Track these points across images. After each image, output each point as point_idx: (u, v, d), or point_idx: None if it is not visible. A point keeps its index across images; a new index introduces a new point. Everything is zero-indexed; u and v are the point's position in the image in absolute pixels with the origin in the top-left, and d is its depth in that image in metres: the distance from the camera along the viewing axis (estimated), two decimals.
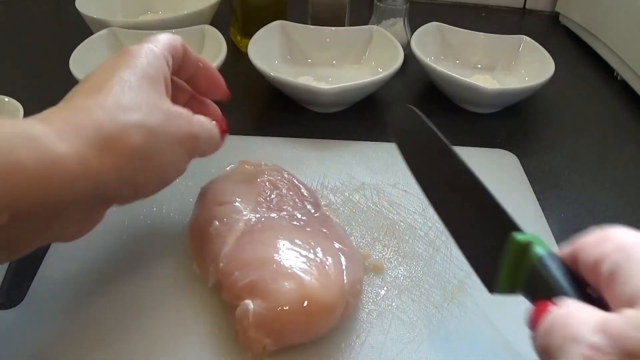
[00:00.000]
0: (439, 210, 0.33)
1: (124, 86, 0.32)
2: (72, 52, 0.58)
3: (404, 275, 0.41)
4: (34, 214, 0.27)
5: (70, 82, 0.55)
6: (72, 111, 0.31)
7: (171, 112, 0.34)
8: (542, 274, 0.25)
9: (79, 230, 0.32)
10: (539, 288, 0.25)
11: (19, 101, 0.49)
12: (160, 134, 0.32)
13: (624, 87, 0.71)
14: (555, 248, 0.45)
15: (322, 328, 0.35)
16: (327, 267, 0.36)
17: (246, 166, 0.46)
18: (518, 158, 0.55)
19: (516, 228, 0.27)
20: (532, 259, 0.25)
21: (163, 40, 0.37)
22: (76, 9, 0.67)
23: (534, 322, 0.24)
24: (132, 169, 0.31)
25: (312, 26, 0.70)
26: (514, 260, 0.25)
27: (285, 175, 0.45)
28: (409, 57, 0.68)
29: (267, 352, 0.34)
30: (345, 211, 0.47)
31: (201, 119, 0.37)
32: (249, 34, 0.66)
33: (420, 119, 0.36)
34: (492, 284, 0.26)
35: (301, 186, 0.44)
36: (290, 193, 0.43)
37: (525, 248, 0.25)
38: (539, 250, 0.25)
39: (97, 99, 0.31)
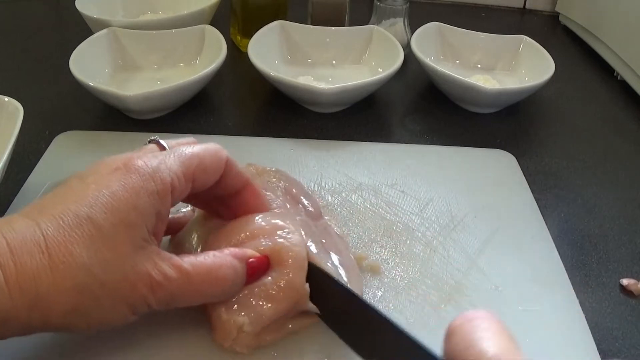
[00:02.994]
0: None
1: (88, 233, 0.29)
2: (72, 52, 0.58)
3: (401, 277, 0.41)
4: None
5: (70, 82, 0.56)
6: (23, 245, 0.28)
7: (134, 269, 0.30)
8: None
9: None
10: None
11: (19, 101, 0.49)
12: (102, 297, 0.29)
13: (624, 87, 0.71)
14: (553, 247, 0.45)
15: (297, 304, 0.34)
16: None
17: (251, 169, 0.46)
18: (518, 158, 0.55)
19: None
20: None
21: (187, 155, 0.33)
22: (76, 9, 0.67)
23: None
24: (61, 323, 0.29)
25: (312, 26, 0.70)
26: None
27: (285, 183, 0.44)
28: (409, 57, 0.68)
29: (248, 338, 0.33)
30: (343, 212, 0.47)
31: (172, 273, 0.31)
32: (249, 34, 0.66)
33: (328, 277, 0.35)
34: None
35: (302, 195, 0.43)
36: (288, 202, 0.42)
37: None
38: None
39: (52, 239, 0.28)
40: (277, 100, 0.63)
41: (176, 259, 0.32)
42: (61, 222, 0.29)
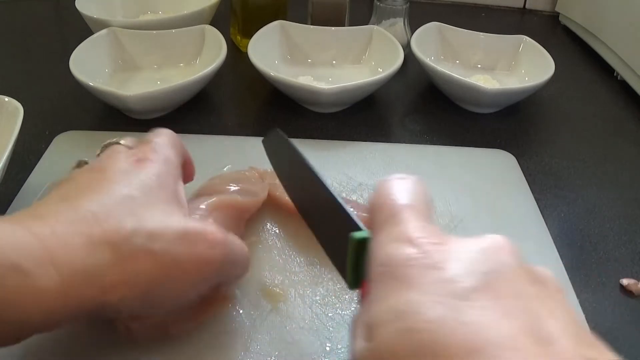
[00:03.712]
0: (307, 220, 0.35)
1: (132, 208, 0.29)
2: (72, 52, 0.58)
3: None
4: (8, 335, 0.27)
5: (70, 82, 0.55)
6: (70, 227, 0.28)
7: (186, 234, 0.30)
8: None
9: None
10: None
11: (19, 101, 0.49)
12: (167, 262, 0.29)
13: (624, 87, 0.71)
14: (553, 247, 0.45)
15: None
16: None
17: (254, 172, 0.47)
18: (518, 158, 0.55)
19: (357, 228, 0.29)
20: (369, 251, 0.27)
21: (172, 140, 0.36)
22: (76, 9, 0.67)
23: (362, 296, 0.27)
24: (121, 297, 0.28)
25: (312, 26, 0.70)
26: (356, 256, 0.28)
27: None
28: (409, 57, 0.68)
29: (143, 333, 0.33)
30: None
31: (230, 238, 0.32)
32: (249, 34, 0.66)
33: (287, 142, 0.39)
34: (348, 281, 0.29)
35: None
36: None
37: (362, 243, 0.27)
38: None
39: (100, 216, 0.28)
40: (277, 100, 0.63)
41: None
42: (102, 198, 0.30)
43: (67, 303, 0.27)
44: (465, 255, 0.23)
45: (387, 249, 0.24)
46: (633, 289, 0.43)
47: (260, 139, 0.56)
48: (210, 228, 0.31)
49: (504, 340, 0.20)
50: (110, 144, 0.36)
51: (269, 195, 0.45)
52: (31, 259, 0.26)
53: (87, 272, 0.27)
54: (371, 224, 0.27)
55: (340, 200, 0.31)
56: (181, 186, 0.35)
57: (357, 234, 0.27)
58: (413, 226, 0.25)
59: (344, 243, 0.28)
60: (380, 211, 0.27)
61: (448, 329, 0.20)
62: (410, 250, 0.24)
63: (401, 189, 0.28)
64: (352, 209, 0.30)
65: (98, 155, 0.36)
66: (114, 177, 0.31)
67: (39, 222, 0.28)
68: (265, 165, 0.50)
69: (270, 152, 0.41)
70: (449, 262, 0.23)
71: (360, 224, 0.29)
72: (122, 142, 0.36)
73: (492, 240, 0.24)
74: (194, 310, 0.34)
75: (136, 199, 0.30)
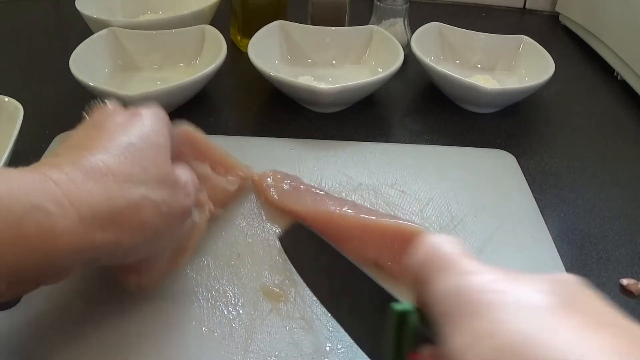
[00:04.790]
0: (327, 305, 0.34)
1: (135, 155, 0.32)
2: (72, 52, 0.58)
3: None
4: (28, 280, 0.28)
5: (70, 82, 0.55)
6: (84, 174, 0.30)
7: (176, 184, 0.34)
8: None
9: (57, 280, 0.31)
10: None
11: (19, 101, 0.49)
12: (163, 210, 0.32)
13: (624, 87, 0.71)
14: (553, 247, 0.45)
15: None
16: None
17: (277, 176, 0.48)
18: (518, 158, 0.55)
19: (394, 299, 0.28)
20: (411, 324, 0.26)
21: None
22: (76, 9, 0.67)
23: None
24: (130, 241, 0.31)
25: (312, 26, 0.70)
26: (397, 330, 0.26)
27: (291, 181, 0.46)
28: (409, 57, 0.68)
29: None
30: None
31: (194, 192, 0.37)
32: (249, 34, 0.66)
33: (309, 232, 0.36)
34: (389, 357, 0.27)
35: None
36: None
37: (404, 316, 0.26)
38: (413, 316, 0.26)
39: (109, 163, 0.31)
40: (277, 100, 0.63)
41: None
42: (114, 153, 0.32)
43: (84, 245, 0.28)
44: (538, 280, 0.23)
45: (454, 282, 0.23)
46: (633, 289, 0.43)
47: (260, 138, 0.57)
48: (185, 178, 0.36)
49: (595, 355, 0.20)
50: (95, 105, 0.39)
51: (267, 198, 0.46)
52: (52, 200, 0.27)
53: (104, 215, 0.29)
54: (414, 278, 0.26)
55: (378, 282, 0.30)
56: (171, 138, 0.37)
57: (399, 306, 0.26)
58: (475, 263, 0.24)
59: (381, 322, 0.27)
60: (431, 262, 0.25)
61: (543, 339, 0.20)
62: (482, 277, 0.23)
63: (444, 241, 0.26)
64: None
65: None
66: (115, 129, 0.34)
67: (55, 170, 0.29)
68: (265, 163, 0.50)
69: (289, 247, 0.39)
70: (525, 283, 0.23)
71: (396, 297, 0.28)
72: (108, 103, 0.38)
73: (563, 275, 0.25)
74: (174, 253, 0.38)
75: (136, 145, 0.33)
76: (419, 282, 0.26)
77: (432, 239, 0.27)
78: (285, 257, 0.39)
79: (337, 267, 0.33)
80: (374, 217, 0.42)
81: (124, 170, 0.31)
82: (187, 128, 0.44)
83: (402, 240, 0.40)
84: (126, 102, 0.54)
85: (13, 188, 0.27)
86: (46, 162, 0.30)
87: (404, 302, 0.27)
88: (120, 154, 0.32)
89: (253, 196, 0.48)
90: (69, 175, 0.29)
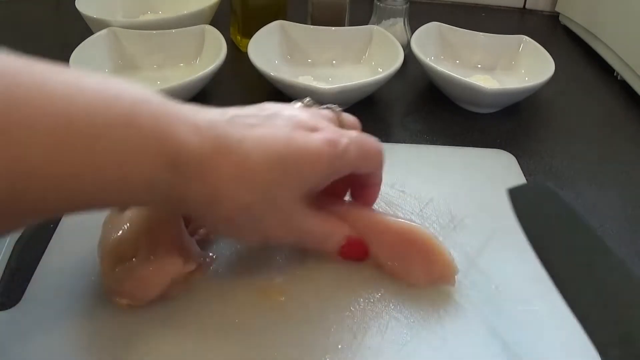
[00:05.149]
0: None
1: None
2: (72, 52, 0.58)
3: None
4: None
5: None
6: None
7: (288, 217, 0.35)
8: None
9: None
10: None
11: None
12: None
13: (624, 87, 0.71)
14: None
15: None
16: None
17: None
18: (518, 158, 0.55)
19: None
20: None
21: (365, 147, 0.39)
22: (76, 9, 0.67)
23: None
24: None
25: (312, 26, 0.70)
26: None
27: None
28: (409, 57, 0.68)
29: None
30: None
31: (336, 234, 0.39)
32: (249, 34, 0.66)
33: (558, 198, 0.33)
34: None
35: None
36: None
37: None
38: None
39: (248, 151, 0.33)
40: (277, 100, 0.63)
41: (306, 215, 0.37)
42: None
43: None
44: None
45: None
46: None
47: None
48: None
49: None
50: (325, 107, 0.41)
51: None
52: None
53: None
54: None
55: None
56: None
57: None
58: None
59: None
60: None
61: None
62: None
63: None
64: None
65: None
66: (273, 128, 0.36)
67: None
68: None
69: (521, 204, 0.35)
70: None
71: None
72: (335, 109, 0.40)
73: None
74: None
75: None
76: None
77: None
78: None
79: (584, 243, 0.30)
80: (380, 216, 0.42)
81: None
82: None
83: (406, 241, 0.40)
84: None
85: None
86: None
87: None
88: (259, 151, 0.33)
89: None
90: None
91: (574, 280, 0.29)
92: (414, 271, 0.40)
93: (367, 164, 0.39)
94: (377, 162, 0.40)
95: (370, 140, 0.39)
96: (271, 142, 0.33)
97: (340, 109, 0.41)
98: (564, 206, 0.32)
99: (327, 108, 0.40)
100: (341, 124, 0.40)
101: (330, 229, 0.38)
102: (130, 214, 0.38)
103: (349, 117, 0.41)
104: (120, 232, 0.38)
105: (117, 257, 0.37)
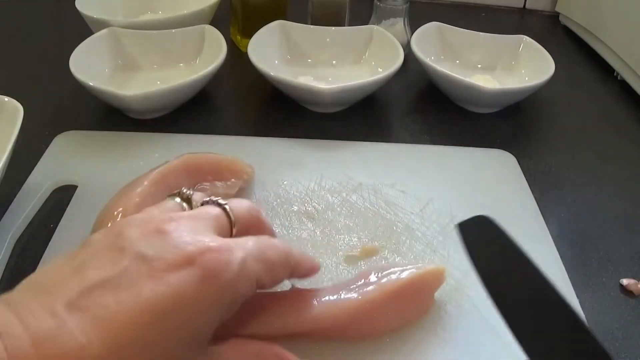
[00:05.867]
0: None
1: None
2: (72, 52, 0.58)
3: None
4: None
5: (70, 82, 0.56)
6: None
7: None
8: None
9: None
10: None
11: (19, 101, 0.49)
12: None
13: (624, 87, 0.71)
14: (553, 247, 0.45)
15: None
16: None
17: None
18: (518, 158, 0.55)
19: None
20: None
21: (269, 261, 0.29)
22: (76, 9, 0.67)
23: None
24: None
25: (312, 26, 0.70)
26: None
27: None
28: (409, 57, 0.68)
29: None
30: (343, 212, 0.47)
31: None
32: (249, 34, 0.66)
33: (496, 229, 0.33)
34: None
35: None
36: None
37: None
38: None
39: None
40: (277, 100, 0.63)
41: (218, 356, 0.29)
42: (122, 349, 0.24)
43: None
44: None
45: None
46: (633, 289, 0.43)
47: (260, 138, 0.57)
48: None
49: None
50: (205, 202, 0.32)
51: None
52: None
53: None
54: None
55: (566, 300, 0.28)
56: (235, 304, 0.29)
57: None
58: None
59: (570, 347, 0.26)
60: None
61: None
62: None
63: None
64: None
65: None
66: (134, 283, 0.27)
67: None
68: (265, 163, 0.51)
69: (468, 238, 0.34)
70: None
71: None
72: (225, 206, 0.31)
73: None
74: None
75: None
76: None
77: None
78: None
79: (523, 275, 0.30)
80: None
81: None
82: (186, 156, 0.44)
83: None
84: (126, 103, 0.54)
85: None
86: (24, 320, 0.24)
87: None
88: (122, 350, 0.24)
89: (256, 193, 0.48)
90: None
91: (519, 314, 0.29)
92: (407, 311, 0.38)
93: (273, 277, 0.30)
94: (285, 271, 0.31)
95: (272, 243, 0.31)
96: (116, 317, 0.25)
97: (225, 202, 0.31)
98: (507, 240, 0.32)
99: (209, 202, 0.32)
100: (232, 223, 0.31)
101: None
102: (113, 212, 0.39)
103: (240, 208, 0.32)
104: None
105: None
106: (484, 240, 0.32)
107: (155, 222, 0.28)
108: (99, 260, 0.27)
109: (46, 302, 0.25)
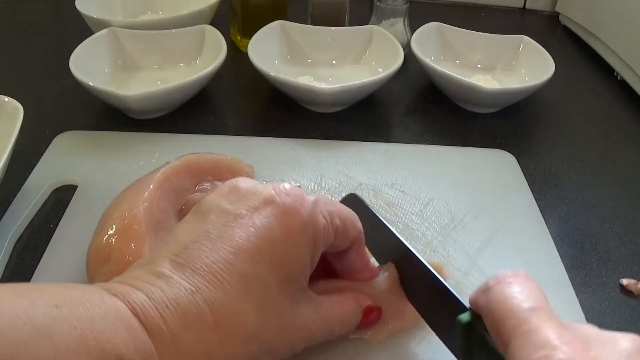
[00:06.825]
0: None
1: (259, 299, 0.27)
2: (72, 52, 0.58)
3: None
4: None
5: (70, 82, 0.56)
6: (183, 324, 0.26)
7: (296, 327, 0.30)
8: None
9: None
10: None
11: (19, 101, 0.49)
12: (266, 356, 0.29)
13: (624, 87, 0.71)
14: (553, 247, 0.45)
15: None
16: None
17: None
18: (518, 158, 0.55)
19: (462, 308, 0.30)
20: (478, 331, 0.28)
21: (335, 207, 0.32)
22: (76, 9, 0.67)
23: None
24: None
25: (312, 26, 0.70)
26: (465, 337, 0.29)
27: None
28: (409, 57, 0.68)
29: None
30: None
31: (334, 323, 0.33)
32: (249, 34, 0.66)
33: (365, 206, 0.38)
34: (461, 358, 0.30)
35: None
36: None
37: (470, 325, 0.28)
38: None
39: (215, 306, 0.26)
40: (277, 100, 0.63)
41: (321, 304, 0.32)
42: (228, 287, 0.27)
43: None
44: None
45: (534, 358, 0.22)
46: (633, 289, 0.43)
47: (260, 138, 0.57)
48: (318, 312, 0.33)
49: None
50: None
51: None
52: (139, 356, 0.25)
53: None
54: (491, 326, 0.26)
55: (429, 267, 0.33)
56: (315, 259, 0.32)
57: (464, 317, 0.28)
58: (552, 333, 0.23)
59: (443, 313, 0.30)
60: (506, 318, 0.25)
61: None
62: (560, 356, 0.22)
63: (519, 290, 0.25)
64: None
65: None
66: (227, 232, 0.29)
67: (151, 311, 0.26)
68: (265, 163, 0.51)
69: None
70: None
71: (456, 294, 0.30)
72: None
73: (635, 342, 0.23)
74: None
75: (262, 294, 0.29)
76: (490, 327, 0.26)
77: (504, 285, 0.26)
78: None
79: (391, 247, 0.35)
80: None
81: (236, 322, 0.27)
82: (187, 157, 0.44)
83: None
84: (126, 103, 0.54)
85: (88, 331, 0.23)
86: (138, 288, 0.26)
87: (469, 311, 0.29)
88: (237, 296, 0.27)
89: None
90: (166, 320, 0.25)
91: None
92: (407, 311, 0.37)
93: (344, 229, 0.32)
94: (354, 230, 0.33)
95: (344, 208, 0.33)
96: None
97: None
98: (371, 212, 0.37)
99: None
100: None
101: (351, 307, 0.34)
102: (120, 214, 0.39)
103: (348, 213, 0.34)
104: (107, 232, 0.38)
105: (102, 258, 0.37)
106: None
107: (227, 184, 0.32)
108: (187, 225, 0.30)
109: (149, 269, 0.28)
